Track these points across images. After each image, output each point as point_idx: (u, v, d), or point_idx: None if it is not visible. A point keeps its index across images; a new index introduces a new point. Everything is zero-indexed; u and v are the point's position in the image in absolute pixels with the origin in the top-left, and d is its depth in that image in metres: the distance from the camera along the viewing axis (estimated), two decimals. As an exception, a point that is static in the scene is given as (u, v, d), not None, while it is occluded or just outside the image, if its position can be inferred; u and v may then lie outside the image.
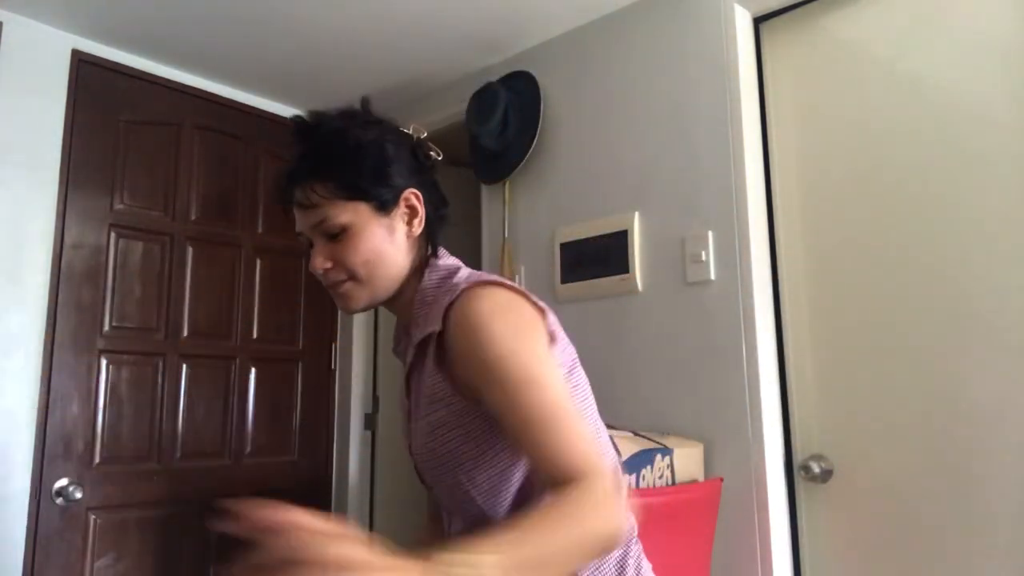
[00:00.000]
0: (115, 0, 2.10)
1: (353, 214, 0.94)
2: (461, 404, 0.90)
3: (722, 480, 1.72)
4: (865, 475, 1.65)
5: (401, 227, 0.98)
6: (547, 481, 0.77)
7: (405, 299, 1.00)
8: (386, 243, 0.96)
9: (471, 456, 0.91)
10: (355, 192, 0.94)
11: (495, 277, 0.92)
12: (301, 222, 0.97)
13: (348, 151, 0.95)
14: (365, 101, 1.01)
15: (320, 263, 0.95)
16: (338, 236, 0.95)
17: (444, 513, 1.05)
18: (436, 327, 0.90)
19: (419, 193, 0.99)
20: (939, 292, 1.58)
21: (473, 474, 0.92)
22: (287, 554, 0.53)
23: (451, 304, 0.89)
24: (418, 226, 0.99)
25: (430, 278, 0.98)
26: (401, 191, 0.97)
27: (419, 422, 0.97)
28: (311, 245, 0.97)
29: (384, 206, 0.96)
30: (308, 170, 0.95)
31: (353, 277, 0.96)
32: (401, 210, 0.98)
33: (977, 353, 1.52)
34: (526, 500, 0.92)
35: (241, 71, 2.54)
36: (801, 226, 1.82)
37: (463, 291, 0.89)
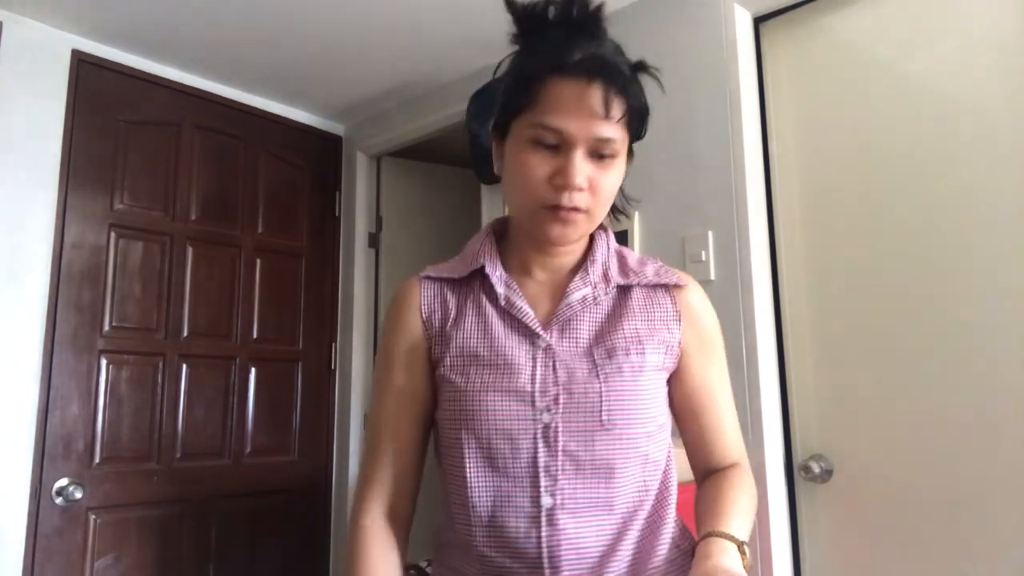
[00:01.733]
0: (115, 0, 2.10)
1: (623, 144, 0.85)
2: (675, 358, 0.93)
3: (722, 480, 1.72)
4: (865, 475, 1.65)
5: None
6: (711, 453, 0.94)
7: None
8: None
9: (656, 410, 0.89)
10: (637, 120, 0.86)
11: None
12: (580, 125, 0.81)
13: (638, 77, 0.87)
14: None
15: (581, 181, 0.82)
16: (604, 160, 0.83)
17: (542, 490, 0.84)
18: (686, 284, 0.95)
19: None
20: (940, 291, 1.58)
21: (655, 429, 0.89)
22: None
23: (679, 278, 0.94)
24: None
25: (610, 235, 0.97)
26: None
27: (603, 362, 0.86)
28: (548, 145, 0.82)
29: (632, 145, 0.89)
30: (624, 78, 0.82)
31: (590, 209, 0.85)
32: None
33: (978, 353, 1.52)
34: (665, 472, 0.93)
35: (241, 71, 2.54)
36: (801, 226, 1.82)
37: (684, 274, 0.97)
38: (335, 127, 3.00)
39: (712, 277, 1.83)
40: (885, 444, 1.62)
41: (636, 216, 2.00)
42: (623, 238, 2.00)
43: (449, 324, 0.91)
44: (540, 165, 0.82)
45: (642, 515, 0.87)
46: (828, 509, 1.70)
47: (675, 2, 2.00)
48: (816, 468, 1.69)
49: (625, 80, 0.83)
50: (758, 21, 1.93)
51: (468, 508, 0.86)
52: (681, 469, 1.74)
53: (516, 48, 0.89)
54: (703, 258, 1.84)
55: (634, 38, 2.33)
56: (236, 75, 2.57)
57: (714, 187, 1.86)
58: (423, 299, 0.94)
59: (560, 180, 0.82)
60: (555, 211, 0.83)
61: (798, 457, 1.75)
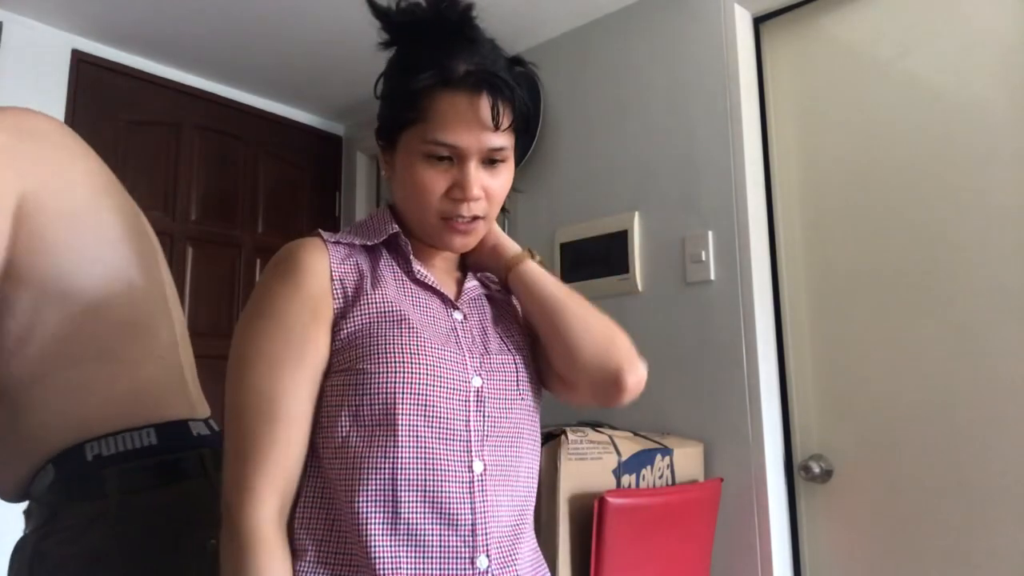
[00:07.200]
0: (115, 0, 2.10)
1: (512, 147, 0.88)
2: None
3: (722, 480, 1.72)
4: (865, 475, 1.65)
5: None
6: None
7: None
8: None
9: (539, 385, 0.96)
10: (523, 123, 0.89)
11: None
12: (473, 139, 0.83)
13: (534, 84, 0.93)
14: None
15: (478, 192, 0.85)
16: (495, 165, 0.86)
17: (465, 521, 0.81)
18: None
19: None
20: (939, 292, 1.58)
21: (540, 404, 0.94)
22: None
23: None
24: None
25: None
26: None
27: (507, 338, 0.92)
28: (442, 157, 0.83)
29: (524, 151, 0.95)
30: (509, 87, 0.85)
31: (487, 214, 0.88)
32: None
33: (977, 353, 1.52)
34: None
35: (241, 71, 2.54)
36: (801, 226, 1.82)
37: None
38: (335, 127, 3.00)
39: (712, 277, 1.83)
40: (885, 444, 1.62)
41: (636, 216, 2.00)
42: (623, 238, 2.01)
43: (368, 285, 0.85)
44: (436, 179, 0.84)
45: (533, 494, 0.91)
46: (828, 509, 1.71)
47: (675, 2, 2.00)
48: (816, 468, 1.69)
49: (511, 89, 0.86)
50: (758, 21, 1.93)
51: (395, 474, 0.78)
52: (685, 467, 1.73)
53: (392, 52, 0.89)
54: (703, 258, 1.84)
55: (634, 38, 2.32)
56: (236, 75, 2.57)
57: (714, 187, 1.86)
58: (333, 260, 0.85)
59: (458, 193, 0.84)
60: (453, 222, 0.86)
61: (798, 457, 1.75)
